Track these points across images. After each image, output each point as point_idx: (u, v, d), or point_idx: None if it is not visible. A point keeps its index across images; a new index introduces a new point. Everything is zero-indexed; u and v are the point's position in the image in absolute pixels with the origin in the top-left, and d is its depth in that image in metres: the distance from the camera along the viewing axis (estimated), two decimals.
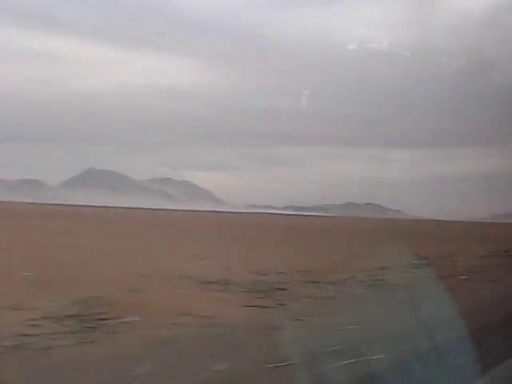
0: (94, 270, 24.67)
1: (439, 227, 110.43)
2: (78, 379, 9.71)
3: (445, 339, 12.50)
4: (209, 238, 55.70)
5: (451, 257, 37.26)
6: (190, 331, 13.15)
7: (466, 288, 21.06)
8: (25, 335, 12.17)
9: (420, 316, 15.57)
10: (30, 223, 66.82)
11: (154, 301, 16.44)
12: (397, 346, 12.16)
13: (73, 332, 12.87)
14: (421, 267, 28.99)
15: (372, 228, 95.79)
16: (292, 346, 11.83)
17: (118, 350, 11.42)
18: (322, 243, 53.17)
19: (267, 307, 16.47)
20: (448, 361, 10.76)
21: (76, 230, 57.46)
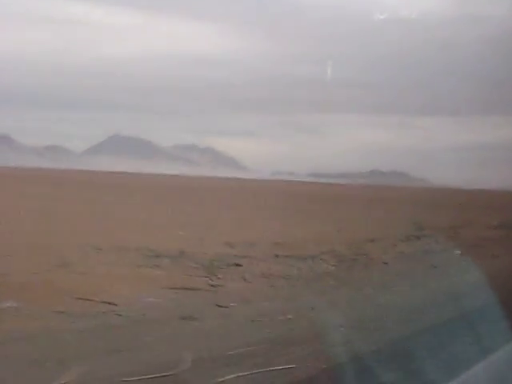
0: (43, 239, 22.12)
1: (460, 196, 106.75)
2: None
3: (393, 340, 9.68)
4: (212, 204, 52.98)
5: (458, 228, 34.18)
6: (72, 323, 10.42)
7: (454, 267, 18.11)
8: None
9: (382, 304, 12.74)
10: (30, 190, 64.62)
11: (66, 279, 13.77)
12: (328, 349, 9.35)
13: None
14: (417, 240, 26.13)
15: (389, 196, 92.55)
16: (187, 348, 9.08)
17: None
18: (329, 212, 50.21)
19: (198, 289, 13.67)
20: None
21: (72, 196, 55.18)
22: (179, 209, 45.95)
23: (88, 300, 11.83)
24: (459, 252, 21.93)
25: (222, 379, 7.66)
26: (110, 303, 11.71)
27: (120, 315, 11.06)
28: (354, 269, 17.70)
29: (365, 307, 12.26)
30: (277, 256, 19.86)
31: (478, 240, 27.37)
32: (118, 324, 10.50)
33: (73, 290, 12.48)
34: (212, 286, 14.09)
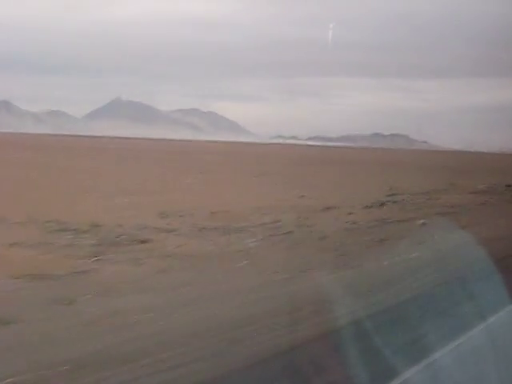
0: None
1: (455, 158, 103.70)
2: None
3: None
4: (191, 169, 50.09)
5: (437, 192, 31.36)
6: None
7: (404, 241, 15.33)
8: None
9: (276, 296, 9.96)
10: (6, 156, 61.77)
11: None
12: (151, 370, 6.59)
13: None
14: (380, 207, 23.31)
15: (383, 159, 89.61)
16: None
17: None
18: (310, 175, 47.24)
19: (59, 276, 10.87)
20: None
21: (47, 163, 52.43)
22: (153, 174, 43.17)
23: None
24: (421, 222, 19.13)
25: None
26: None
27: None
28: (281, 245, 14.88)
29: (255, 302, 9.49)
30: (202, 229, 17.09)
31: (451, 207, 24.55)
32: None
33: None
34: (83, 271, 11.30)
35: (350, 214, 20.93)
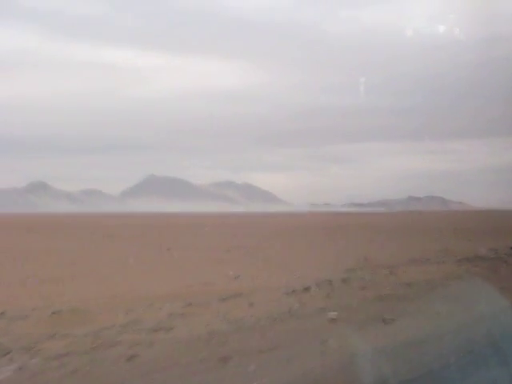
0: None
1: (482, 217, 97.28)
2: None
3: None
4: (161, 246, 44.98)
5: (409, 263, 25.73)
6: None
7: (263, 359, 9.97)
8: None
9: None
10: None
11: None
12: None
13: None
14: (307, 291, 17.83)
15: (398, 224, 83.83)
16: None
17: None
18: (284, 248, 41.85)
19: None
20: None
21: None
22: (112, 254, 38.15)
23: None
24: (332, 316, 13.61)
25: None
26: None
27: None
28: (46, 375, 9.49)
29: None
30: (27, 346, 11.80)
31: (407, 285, 18.93)
32: None
33: None
34: None
35: (251, 304, 15.46)
